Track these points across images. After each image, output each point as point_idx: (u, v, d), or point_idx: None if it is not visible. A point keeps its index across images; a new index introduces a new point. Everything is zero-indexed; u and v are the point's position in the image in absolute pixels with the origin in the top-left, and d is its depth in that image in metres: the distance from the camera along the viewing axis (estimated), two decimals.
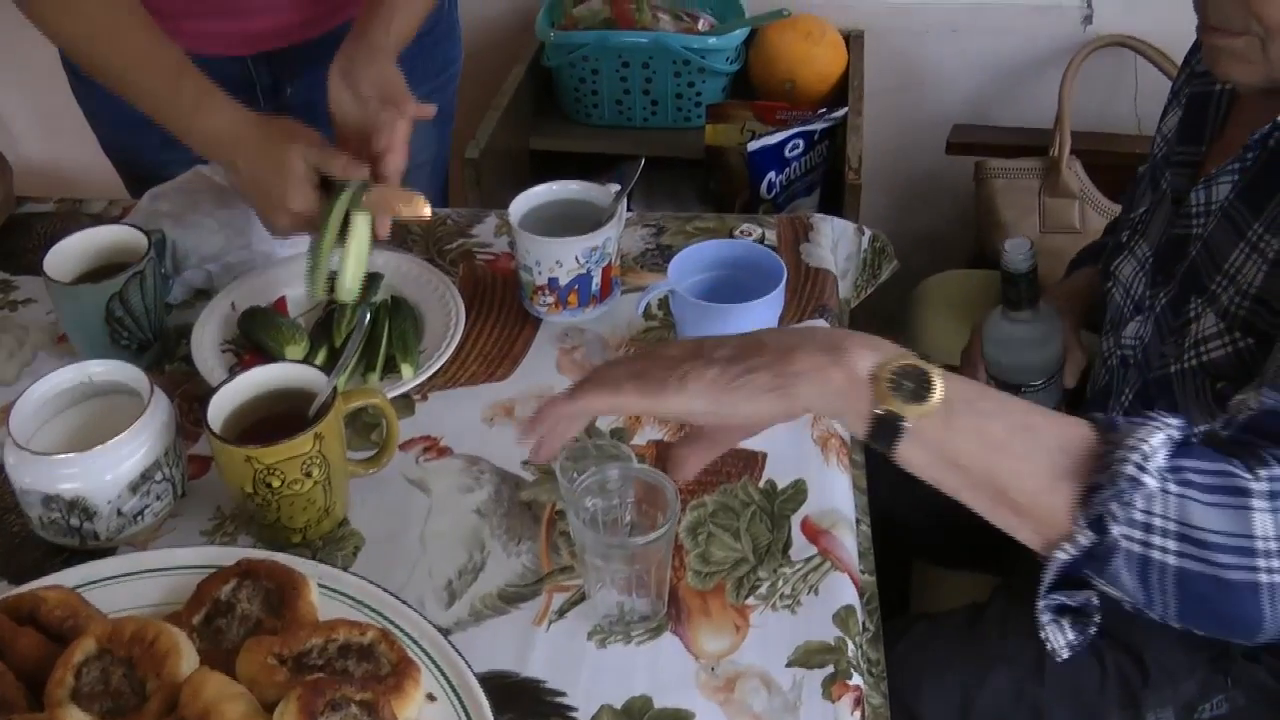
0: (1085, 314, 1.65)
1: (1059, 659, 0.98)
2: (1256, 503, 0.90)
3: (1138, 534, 0.90)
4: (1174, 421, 0.93)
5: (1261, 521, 0.90)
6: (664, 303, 1.50)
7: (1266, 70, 1.19)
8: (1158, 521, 0.90)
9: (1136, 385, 1.39)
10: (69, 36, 1.50)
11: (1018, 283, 1.49)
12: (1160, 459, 0.90)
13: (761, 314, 1.37)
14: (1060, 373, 1.56)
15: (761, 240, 1.63)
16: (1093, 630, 0.97)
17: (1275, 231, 1.17)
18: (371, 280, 1.47)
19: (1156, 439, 0.90)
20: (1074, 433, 0.94)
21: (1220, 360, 1.22)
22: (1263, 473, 0.91)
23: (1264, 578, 0.90)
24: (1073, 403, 1.58)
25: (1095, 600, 0.96)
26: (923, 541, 1.75)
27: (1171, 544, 0.91)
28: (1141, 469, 0.89)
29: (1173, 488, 0.90)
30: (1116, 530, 0.90)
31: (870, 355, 0.94)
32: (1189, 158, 1.39)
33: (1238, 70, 1.21)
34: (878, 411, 0.93)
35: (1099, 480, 0.90)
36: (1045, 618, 0.96)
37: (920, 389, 0.92)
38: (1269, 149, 1.22)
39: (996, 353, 1.57)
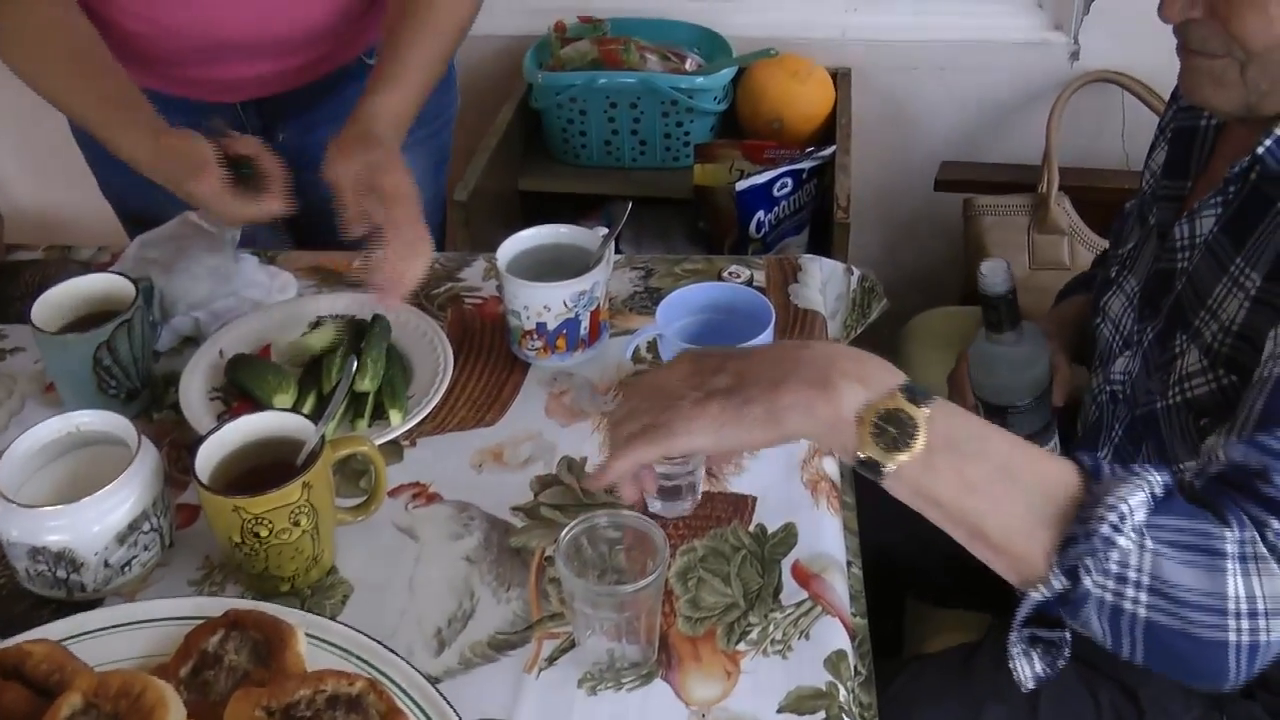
0: (1074, 339, 1.65)
1: (1024, 690, 1.00)
2: (1230, 564, 0.92)
3: (1111, 584, 0.93)
4: (1157, 477, 0.94)
5: (1234, 583, 0.92)
6: (653, 345, 1.50)
7: (1243, 95, 1.18)
8: (1132, 574, 0.92)
9: (1126, 421, 1.39)
10: (21, 74, 1.57)
11: (997, 305, 1.47)
12: (1139, 517, 0.92)
13: None
14: (1048, 392, 1.55)
15: (750, 282, 1.64)
16: (1061, 663, 0.99)
17: (1256, 266, 1.17)
18: (376, 322, 1.48)
19: (1136, 499, 0.92)
20: (1057, 478, 0.96)
21: (1204, 397, 1.22)
22: (1235, 534, 0.94)
23: (1233, 636, 0.93)
24: (1064, 438, 1.57)
25: (1067, 635, 0.98)
26: (917, 580, 1.75)
27: (1144, 597, 0.93)
28: (1118, 530, 0.91)
29: (1149, 544, 0.92)
30: (1089, 581, 0.92)
31: (858, 393, 0.96)
32: (1174, 192, 1.39)
33: (1215, 95, 1.21)
34: (859, 455, 0.95)
35: (1076, 532, 0.92)
36: (1016, 649, 0.98)
37: (903, 436, 0.94)
38: (1249, 182, 1.22)
39: (981, 375, 1.55)
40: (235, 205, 1.47)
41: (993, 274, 1.44)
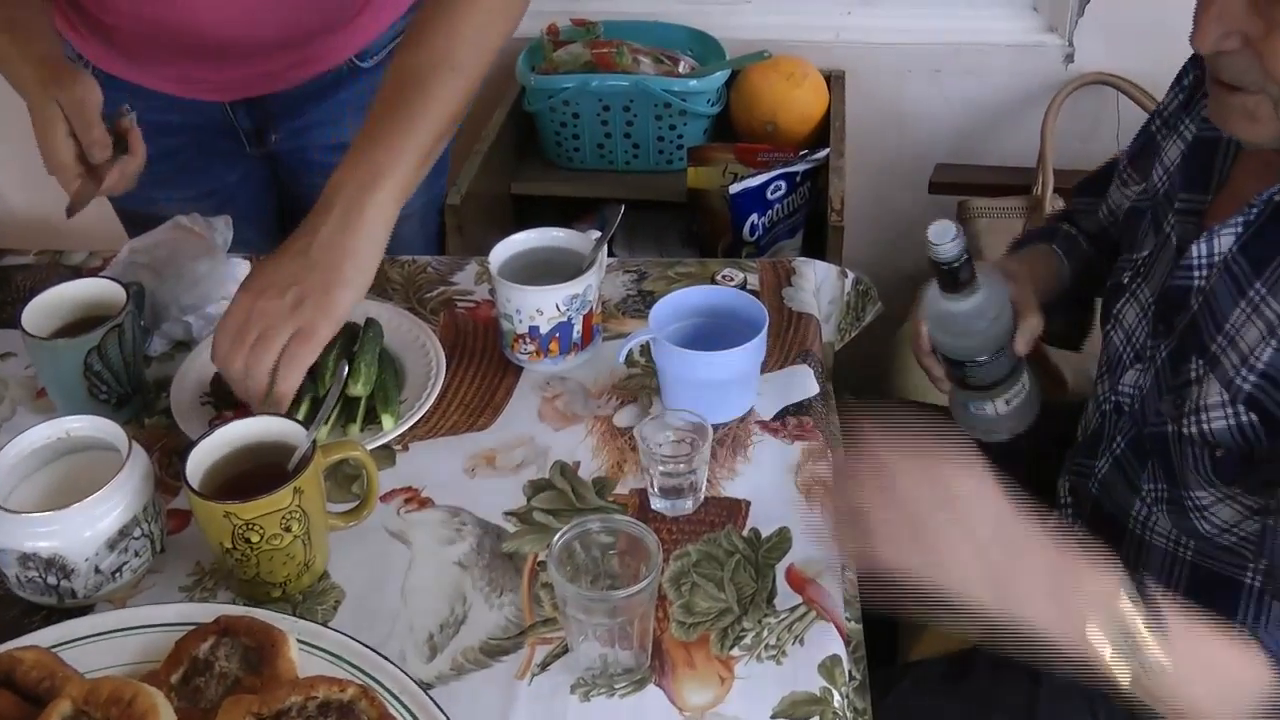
0: (1042, 289, 1.56)
1: None
2: None
3: None
4: None
5: None
6: (646, 349, 1.49)
7: (1276, 129, 1.15)
8: None
9: (1130, 434, 1.36)
10: None
11: (949, 271, 1.34)
12: None
13: (743, 361, 1.36)
14: (1010, 343, 1.45)
15: (743, 285, 1.63)
16: None
17: (1276, 293, 1.15)
18: (369, 326, 1.47)
19: None
20: (1255, 683, 1.09)
21: (1221, 431, 1.20)
22: None
23: None
24: (1063, 442, 1.55)
25: None
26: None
27: None
28: None
29: None
30: None
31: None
32: (1194, 206, 1.34)
33: (1247, 130, 1.17)
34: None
35: None
36: None
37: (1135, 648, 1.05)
38: (1273, 203, 1.20)
39: (938, 332, 1.46)
40: (68, 161, 1.48)
41: (941, 238, 1.30)
